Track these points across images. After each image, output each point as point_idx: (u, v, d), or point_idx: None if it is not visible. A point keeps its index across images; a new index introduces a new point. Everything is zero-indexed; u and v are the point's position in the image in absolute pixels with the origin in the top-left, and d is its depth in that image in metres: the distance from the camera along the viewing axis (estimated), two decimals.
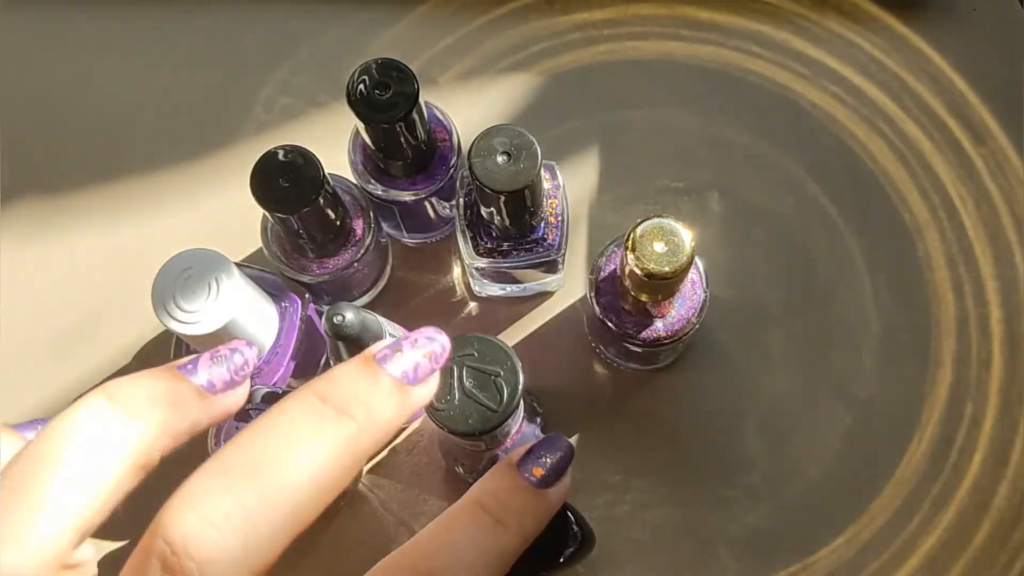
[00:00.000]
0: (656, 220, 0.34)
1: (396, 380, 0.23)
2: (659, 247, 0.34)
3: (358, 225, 0.39)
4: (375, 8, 0.47)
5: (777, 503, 0.42)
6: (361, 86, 0.35)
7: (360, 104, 0.35)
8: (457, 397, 0.30)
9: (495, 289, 0.43)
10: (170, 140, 0.46)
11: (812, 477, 0.42)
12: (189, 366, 0.24)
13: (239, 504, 0.21)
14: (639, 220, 0.34)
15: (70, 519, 0.22)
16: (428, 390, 0.23)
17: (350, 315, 0.31)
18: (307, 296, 0.40)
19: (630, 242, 0.34)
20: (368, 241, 0.39)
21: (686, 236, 0.34)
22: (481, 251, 0.38)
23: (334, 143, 0.40)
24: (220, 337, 0.34)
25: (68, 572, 0.27)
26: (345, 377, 0.23)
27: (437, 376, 0.24)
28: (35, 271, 0.44)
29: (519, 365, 0.30)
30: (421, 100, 0.35)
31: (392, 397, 0.23)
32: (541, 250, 0.38)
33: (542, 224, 0.38)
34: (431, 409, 0.30)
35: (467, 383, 0.30)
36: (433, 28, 0.47)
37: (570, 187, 0.42)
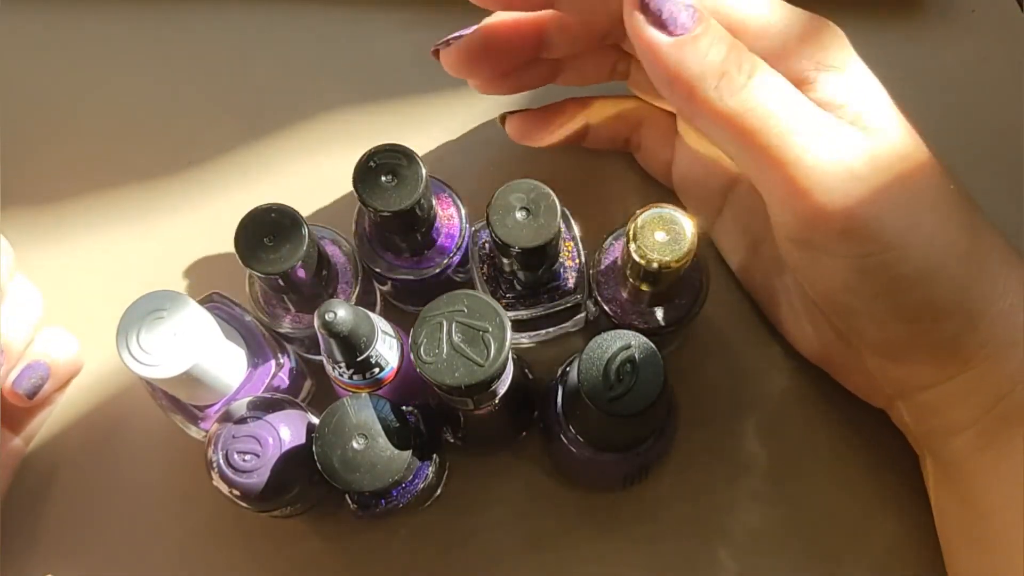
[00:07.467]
0: (656, 209, 0.34)
1: None
2: (660, 236, 0.34)
3: (343, 289, 0.38)
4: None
5: (777, 503, 0.39)
6: (371, 163, 0.35)
7: (364, 189, 0.35)
8: (445, 351, 0.30)
9: (523, 339, 0.43)
10: (173, 144, 0.46)
11: (813, 476, 0.40)
12: None
13: None
14: (639, 211, 0.34)
15: None
16: None
17: (342, 312, 0.31)
18: (281, 362, 0.38)
19: (631, 232, 0.34)
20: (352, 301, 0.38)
21: (687, 224, 0.34)
22: (504, 305, 0.38)
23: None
24: (176, 382, 0.34)
25: None
26: None
27: None
28: (33, 273, 0.43)
29: (507, 322, 0.30)
30: (428, 186, 0.35)
31: None
32: (562, 295, 0.38)
33: (561, 270, 0.38)
34: (420, 363, 0.30)
35: (455, 337, 0.30)
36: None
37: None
